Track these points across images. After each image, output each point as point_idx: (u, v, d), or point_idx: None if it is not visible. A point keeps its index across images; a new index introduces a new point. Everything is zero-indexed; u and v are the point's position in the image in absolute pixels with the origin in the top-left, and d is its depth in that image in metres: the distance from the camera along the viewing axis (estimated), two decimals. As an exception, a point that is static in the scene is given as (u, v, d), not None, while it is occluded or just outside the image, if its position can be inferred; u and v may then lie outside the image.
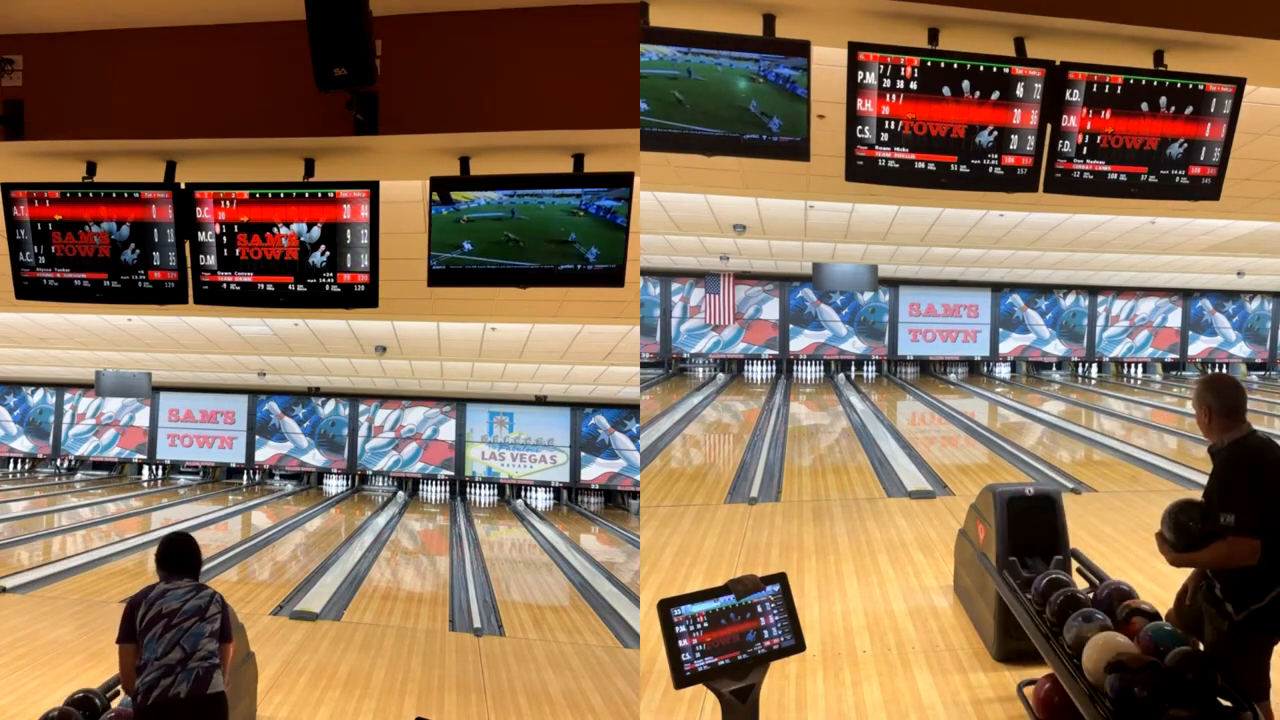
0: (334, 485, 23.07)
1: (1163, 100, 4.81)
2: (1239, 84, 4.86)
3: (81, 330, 13.91)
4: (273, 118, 4.82)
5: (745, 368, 23.26)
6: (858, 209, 12.14)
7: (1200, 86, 4.83)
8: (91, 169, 5.25)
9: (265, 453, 23.22)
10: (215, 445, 23.41)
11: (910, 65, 4.59)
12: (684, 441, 15.02)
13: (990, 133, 4.73)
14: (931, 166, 4.74)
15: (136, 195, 5.17)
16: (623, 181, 4.87)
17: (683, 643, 3.33)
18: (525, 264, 4.99)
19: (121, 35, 4.96)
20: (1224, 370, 23.85)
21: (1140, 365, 24.74)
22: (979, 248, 16.27)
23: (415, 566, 14.58)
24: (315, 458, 23.09)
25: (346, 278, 5.09)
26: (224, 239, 5.14)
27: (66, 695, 4.68)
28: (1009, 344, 24.01)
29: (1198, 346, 24.65)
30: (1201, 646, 3.82)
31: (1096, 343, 24.40)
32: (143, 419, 23.56)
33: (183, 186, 5.15)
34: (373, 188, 5.00)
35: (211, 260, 5.19)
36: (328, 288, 5.11)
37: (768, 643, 3.47)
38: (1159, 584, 5.62)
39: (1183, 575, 4.04)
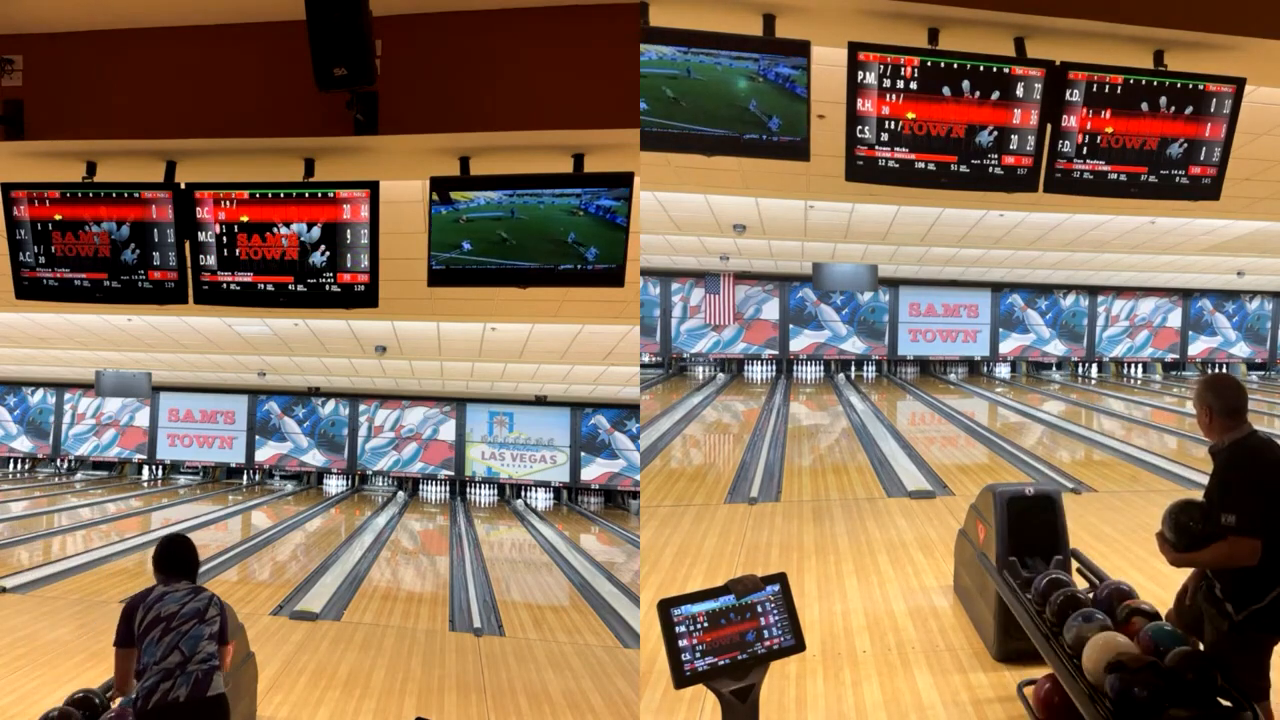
0: (334, 485, 23.07)
1: (1163, 100, 4.81)
2: (1239, 84, 4.86)
3: (81, 330, 13.91)
4: (273, 118, 4.82)
5: (745, 368, 23.26)
6: (858, 209, 12.14)
7: (1200, 86, 4.83)
8: (91, 169, 5.25)
9: (265, 453, 23.22)
10: (215, 445, 23.41)
11: (910, 65, 4.59)
12: (684, 441, 15.02)
13: (990, 133, 4.73)
14: (931, 166, 4.74)
15: (136, 195, 5.17)
16: (622, 181, 4.86)
17: (683, 643, 3.33)
18: (525, 264, 4.99)
19: (121, 35, 4.96)
20: (1224, 370, 23.86)
21: (1140, 365, 24.75)
22: (979, 248, 16.26)
23: (415, 566, 14.58)
24: (315, 458, 23.09)
25: (346, 278, 5.09)
26: (224, 239, 5.14)
27: (66, 695, 4.68)
28: (1009, 344, 24.01)
29: (1198, 346, 24.65)
30: (1201, 646, 3.82)
31: (1096, 343, 24.40)
32: (143, 419, 23.56)
33: (183, 186, 5.15)
34: (373, 188, 4.99)
35: (211, 260, 5.19)
36: (328, 288, 5.11)
37: (768, 643, 3.47)
38: (1159, 584, 5.62)
39: (1183, 575, 4.04)
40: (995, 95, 4.68)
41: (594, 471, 21.86)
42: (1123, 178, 4.93)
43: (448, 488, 22.55)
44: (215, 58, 4.88)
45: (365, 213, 5.01)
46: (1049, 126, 4.78)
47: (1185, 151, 4.93)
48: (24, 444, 24.01)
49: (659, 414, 17.13)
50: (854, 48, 4.55)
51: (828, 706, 5.19)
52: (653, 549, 8.39)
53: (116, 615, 4.21)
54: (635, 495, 20.18)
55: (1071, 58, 4.71)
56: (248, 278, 5.18)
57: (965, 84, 4.64)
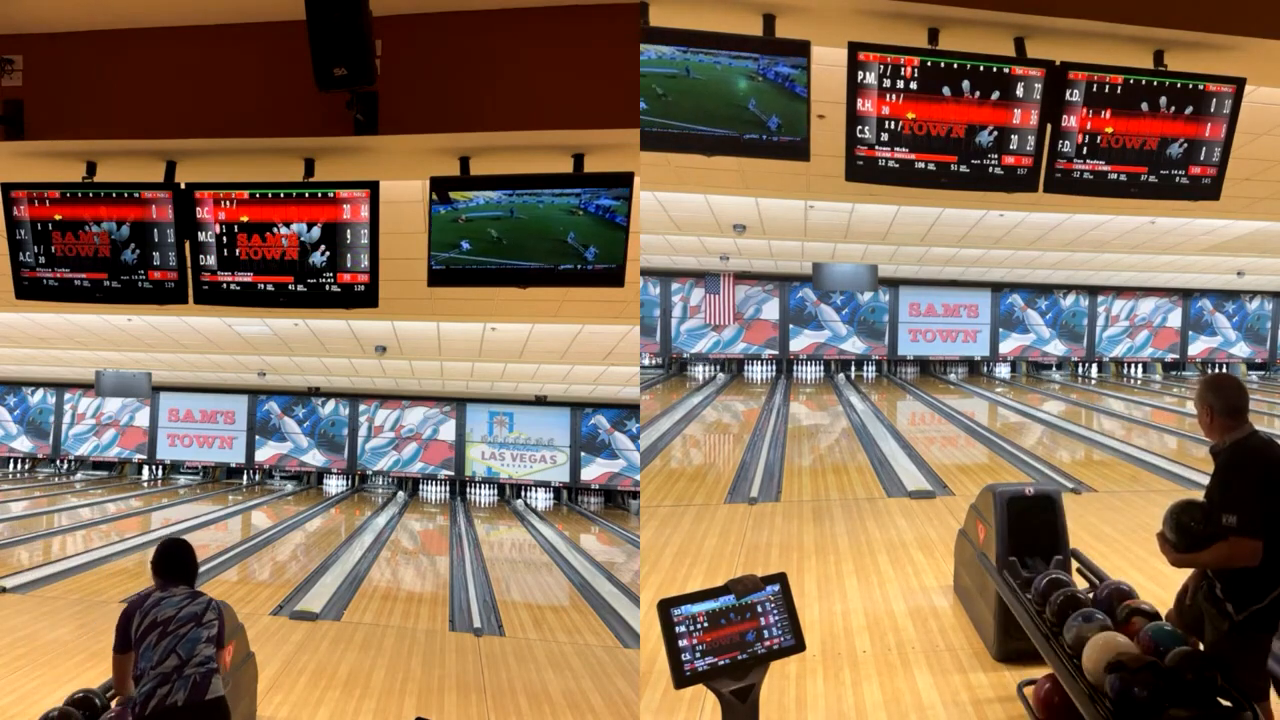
0: (334, 485, 23.07)
1: (1163, 100, 4.81)
2: (1239, 84, 4.85)
3: (81, 330, 13.91)
4: (273, 118, 4.82)
5: (745, 368, 23.26)
6: (858, 209, 12.14)
7: (1200, 86, 4.83)
8: (91, 169, 5.25)
9: (265, 453, 23.22)
10: (215, 445, 23.40)
11: (910, 65, 4.58)
12: (684, 441, 15.02)
13: (990, 133, 4.73)
14: (931, 166, 4.74)
15: (136, 195, 5.16)
16: (622, 181, 4.86)
17: (683, 643, 3.33)
18: (525, 264, 4.99)
19: (121, 35, 4.96)
20: (1224, 370, 23.86)
21: (1140, 365, 24.74)
22: (979, 248, 16.26)
23: (415, 566, 14.58)
24: (315, 458, 23.09)
25: (346, 278, 5.09)
26: (224, 239, 5.13)
27: (66, 695, 4.68)
28: (1009, 344, 24.01)
29: (1198, 346, 24.64)
30: (1201, 646, 3.82)
31: (1096, 343, 24.40)
32: (143, 419, 23.56)
33: (183, 186, 5.14)
34: (373, 188, 4.99)
35: (211, 260, 5.18)
36: (328, 288, 5.11)
37: (768, 643, 3.47)
38: (1159, 584, 5.62)
39: (1183, 575, 4.04)
40: (995, 95, 4.68)
41: (594, 471, 21.86)
42: (1123, 178, 4.92)
43: (448, 488, 22.55)
44: (215, 58, 4.88)
45: (365, 213, 5.01)
46: (1049, 126, 4.78)
47: (1185, 151, 4.93)
48: (24, 444, 24.01)
49: (659, 414, 17.14)
50: (854, 48, 4.55)
51: (828, 706, 5.19)
52: (653, 549, 8.39)
53: (116, 615, 4.21)
54: (635, 495, 20.18)
55: (1071, 58, 4.71)
56: (248, 278, 5.17)
57: (965, 84, 4.64)
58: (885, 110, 4.63)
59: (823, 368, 23.44)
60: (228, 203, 5.10)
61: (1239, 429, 3.72)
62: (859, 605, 6.77)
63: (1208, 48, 4.76)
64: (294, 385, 22.08)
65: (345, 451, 22.98)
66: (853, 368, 23.65)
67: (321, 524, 17.89)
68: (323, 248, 5.06)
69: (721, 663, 3.37)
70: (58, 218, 5.27)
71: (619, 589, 11.59)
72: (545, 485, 22.08)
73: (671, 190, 10.33)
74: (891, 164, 4.71)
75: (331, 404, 23.03)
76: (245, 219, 5.10)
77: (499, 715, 6.97)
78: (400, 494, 22.36)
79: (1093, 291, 24.03)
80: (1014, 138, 4.76)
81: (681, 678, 3.31)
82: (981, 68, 4.63)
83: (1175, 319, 24.57)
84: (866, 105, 4.61)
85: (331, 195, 5.01)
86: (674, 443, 14.69)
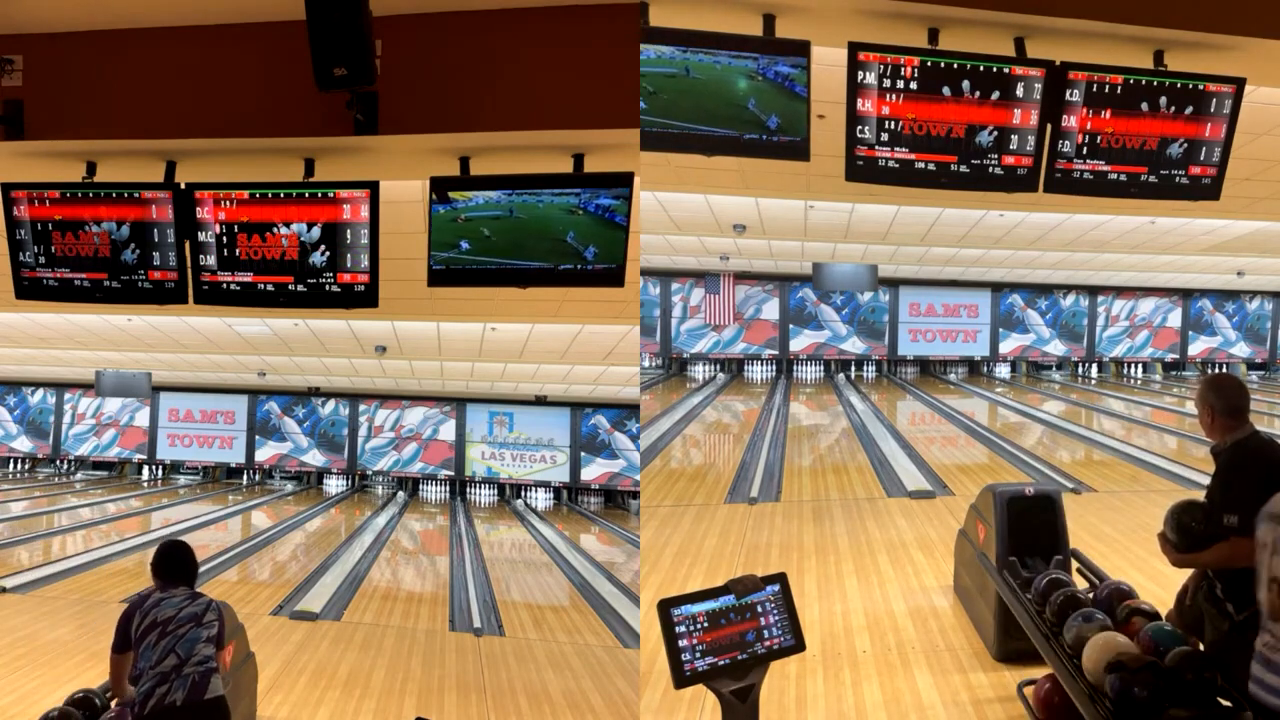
0: (334, 485, 23.06)
1: (1163, 100, 4.81)
2: (1239, 84, 4.85)
3: (81, 330, 13.91)
4: (273, 118, 4.82)
5: (745, 368, 23.25)
6: (858, 209, 12.13)
7: (1200, 86, 4.83)
8: (91, 169, 5.25)
9: (265, 453, 23.22)
10: (215, 445, 23.40)
11: (910, 65, 4.58)
12: (684, 441, 15.02)
13: (990, 133, 4.73)
14: (931, 166, 4.74)
15: (136, 195, 5.16)
16: (622, 181, 4.86)
17: (683, 643, 3.33)
18: (525, 264, 4.99)
19: (121, 35, 4.96)
20: (1224, 370, 23.85)
21: (1140, 365, 24.74)
22: (979, 248, 16.26)
23: (415, 566, 14.58)
24: (315, 458, 23.08)
25: (346, 278, 5.09)
26: (224, 239, 5.13)
27: (66, 695, 4.68)
28: (1009, 344, 24.01)
29: (1198, 346, 24.64)
30: (1201, 646, 3.82)
31: (1096, 343, 24.39)
32: (143, 419, 23.56)
33: (183, 186, 5.14)
34: (373, 188, 4.99)
35: (211, 260, 5.18)
36: (328, 288, 5.11)
37: (768, 643, 3.47)
38: (1159, 584, 5.62)
39: (1183, 575, 4.04)
40: (995, 95, 4.68)
41: (594, 471, 21.86)
42: (1123, 178, 4.92)
43: (448, 488, 22.54)
44: (215, 58, 4.88)
45: (365, 213, 5.01)
46: (1049, 126, 4.78)
47: (1185, 151, 4.93)
48: (24, 444, 24.01)
49: (659, 414, 17.14)
50: (854, 48, 4.55)
51: (828, 706, 5.19)
52: (653, 549, 8.39)
53: (116, 615, 4.21)
54: (635, 495, 20.18)
55: (1071, 58, 4.71)
56: (248, 278, 5.17)
57: (965, 84, 4.64)
58: (885, 110, 4.63)
59: (823, 368, 23.44)
60: (228, 203, 5.10)
61: (1240, 429, 3.72)
62: (859, 605, 6.77)
63: (1208, 48, 4.76)
64: (294, 385, 22.08)
65: (345, 451, 22.98)
66: (853, 368, 23.65)
67: (321, 524, 17.89)
68: (323, 248, 5.06)
69: (721, 663, 3.37)
70: (58, 218, 5.26)
71: (619, 589, 11.59)
72: (545, 485, 22.08)
73: (671, 190, 10.33)
74: (891, 164, 4.70)
75: (331, 404, 23.03)
76: (245, 219, 5.10)
77: (499, 715, 6.97)
78: (400, 494, 22.36)
79: (1093, 291, 24.03)
80: (1014, 138, 4.76)
81: (681, 678, 3.31)
82: (981, 68, 4.63)
83: (1175, 319, 24.57)
84: (866, 105, 4.61)
85: (331, 195, 5.01)
86: (674, 443, 14.69)
